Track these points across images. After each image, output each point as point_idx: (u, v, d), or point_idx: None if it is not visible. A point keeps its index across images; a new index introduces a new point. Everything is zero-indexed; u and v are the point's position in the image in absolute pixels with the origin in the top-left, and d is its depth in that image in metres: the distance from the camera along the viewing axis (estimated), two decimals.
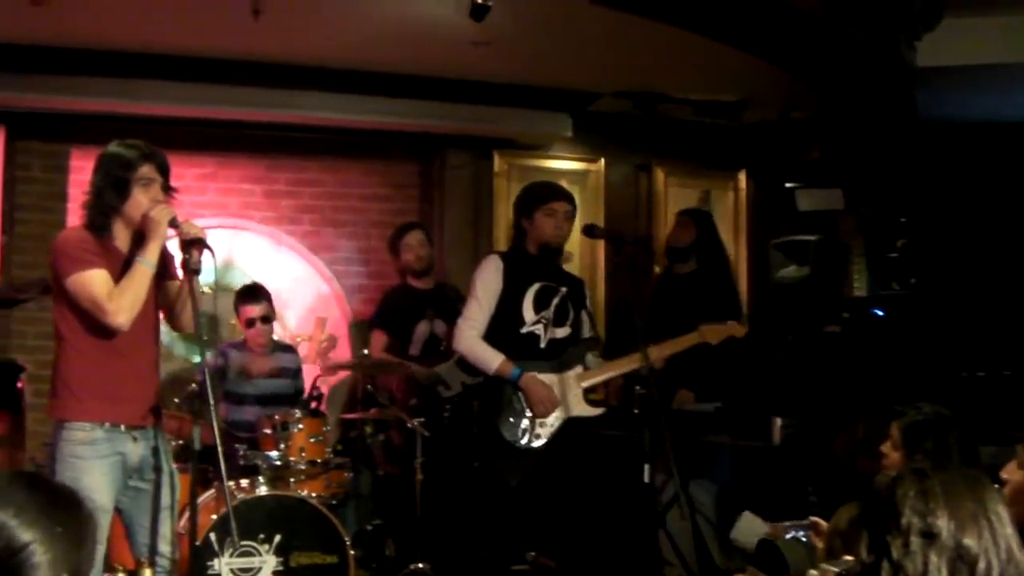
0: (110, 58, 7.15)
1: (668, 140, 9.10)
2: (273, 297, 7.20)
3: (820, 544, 4.00)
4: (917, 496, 2.36)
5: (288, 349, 7.37)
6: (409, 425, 6.34)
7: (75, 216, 5.24)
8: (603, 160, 8.98)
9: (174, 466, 4.80)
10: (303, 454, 6.12)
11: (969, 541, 2.31)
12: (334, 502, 6.24)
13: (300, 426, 6.16)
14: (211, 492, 5.83)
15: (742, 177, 9.37)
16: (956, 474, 2.44)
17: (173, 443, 6.08)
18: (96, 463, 4.46)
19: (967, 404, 4.33)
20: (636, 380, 5.81)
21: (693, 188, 9.22)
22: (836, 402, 6.85)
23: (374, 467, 6.81)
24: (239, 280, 7.69)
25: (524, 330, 5.99)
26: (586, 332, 6.22)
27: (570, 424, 5.94)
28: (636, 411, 5.73)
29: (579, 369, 6.03)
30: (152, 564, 4.58)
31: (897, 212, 8.98)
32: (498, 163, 8.66)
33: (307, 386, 7.11)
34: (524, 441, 5.85)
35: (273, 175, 8.40)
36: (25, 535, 1.91)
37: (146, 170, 4.56)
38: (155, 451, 4.68)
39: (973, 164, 8.94)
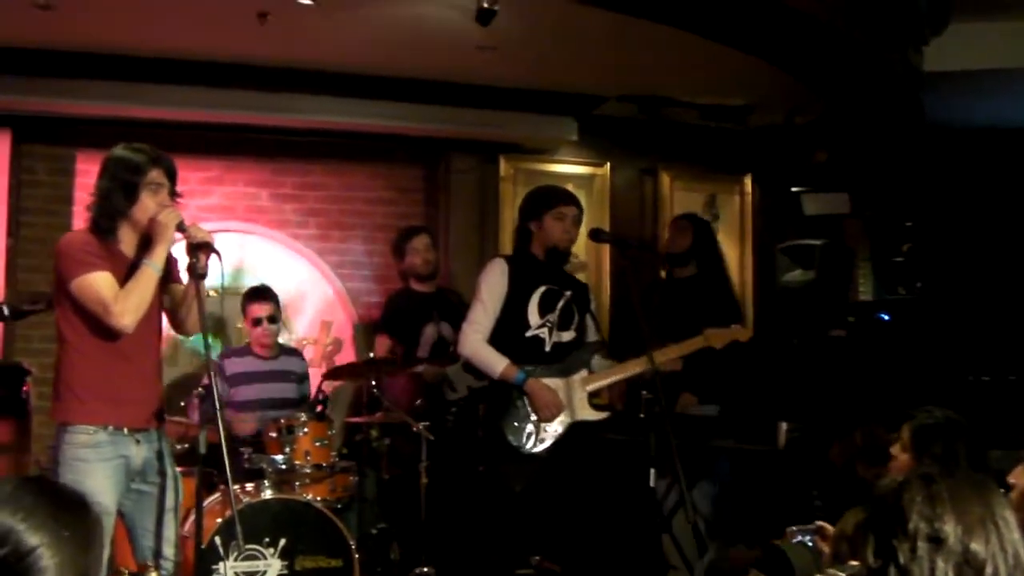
0: (116, 62, 7.16)
1: (674, 144, 9.09)
2: (279, 300, 7.21)
3: (826, 549, 3.99)
4: (924, 501, 2.36)
5: (294, 353, 7.37)
6: (414, 429, 6.34)
7: (80, 220, 5.23)
8: (609, 164, 8.98)
9: (177, 469, 4.81)
10: (308, 458, 6.12)
11: (976, 546, 2.30)
12: (339, 506, 6.23)
13: (305, 430, 6.16)
14: (216, 496, 5.83)
15: (748, 181, 9.36)
16: (963, 479, 2.43)
17: (178, 447, 6.10)
18: (99, 466, 4.47)
19: (973, 408, 4.32)
20: (641, 384, 5.82)
21: (699, 192, 9.22)
22: (841, 406, 6.84)
23: (379, 471, 6.80)
24: (245, 283, 7.70)
25: (529, 333, 5.99)
26: (591, 336, 6.23)
27: (575, 428, 5.93)
28: (641, 415, 5.73)
29: (584, 373, 6.03)
30: (156, 567, 4.59)
31: (903, 216, 8.98)
32: (504, 167, 8.65)
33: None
34: (529, 445, 5.85)
35: (279, 179, 8.40)
36: (32, 539, 1.90)
37: (155, 175, 4.57)
38: (159, 454, 4.68)
39: (979, 168, 8.94)
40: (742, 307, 8.27)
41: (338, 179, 8.55)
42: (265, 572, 5.67)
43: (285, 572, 5.70)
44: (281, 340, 7.37)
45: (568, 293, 6.11)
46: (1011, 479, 3.62)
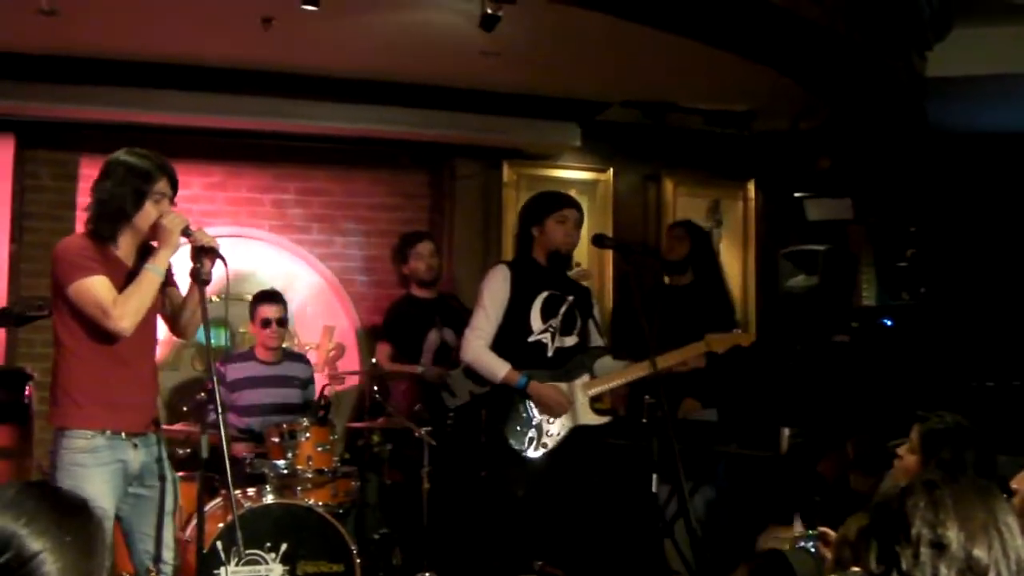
0: (119, 67, 7.16)
1: (677, 150, 9.09)
2: (287, 305, 7.22)
3: (829, 554, 3.99)
4: (927, 507, 2.36)
5: (299, 358, 7.37)
6: (416, 434, 6.34)
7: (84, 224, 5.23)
8: (612, 170, 8.97)
9: (178, 474, 4.81)
10: (310, 463, 6.11)
11: (979, 552, 2.30)
12: (341, 511, 6.23)
13: (307, 435, 6.15)
14: (218, 500, 5.83)
15: (751, 187, 9.35)
16: (967, 485, 2.43)
17: (180, 451, 6.10)
18: (97, 471, 4.46)
19: (976, 414, 4.31)
20: (644, 389, 5.82)
21: (702, 198, 9.22)
22: (845, 412, 6.84)
23: (381, 476, 6.80)
24: (247, 289, 7.70)
25: (531, 339, 5.99)
26: (593, 341, 6.23)
27: (577, 433, 5.93)
28: (644, 420, 5.73)
29: (586, 378, 6.03)
30: (157, 572, 4.59)
31: (906, 222, 8.98)
32: (507, 173, 8.65)
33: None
34: (531, 450, 5.85)
35: (282, 184, 8.40)
36: (35, 544, 1.90)
37: (162, 185, 4.59)
38: (157, 458, 4.69)
39: (983, 174, 8.94)
40: (741, 314, 8.28)
41: (341, 185, 8.56)
42: None
43: None
44: (284, 345, 7.36)
45: (570, 298, 6.12)
46: (1014, 484, 3.62)
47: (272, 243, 8.27)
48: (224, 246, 4.71)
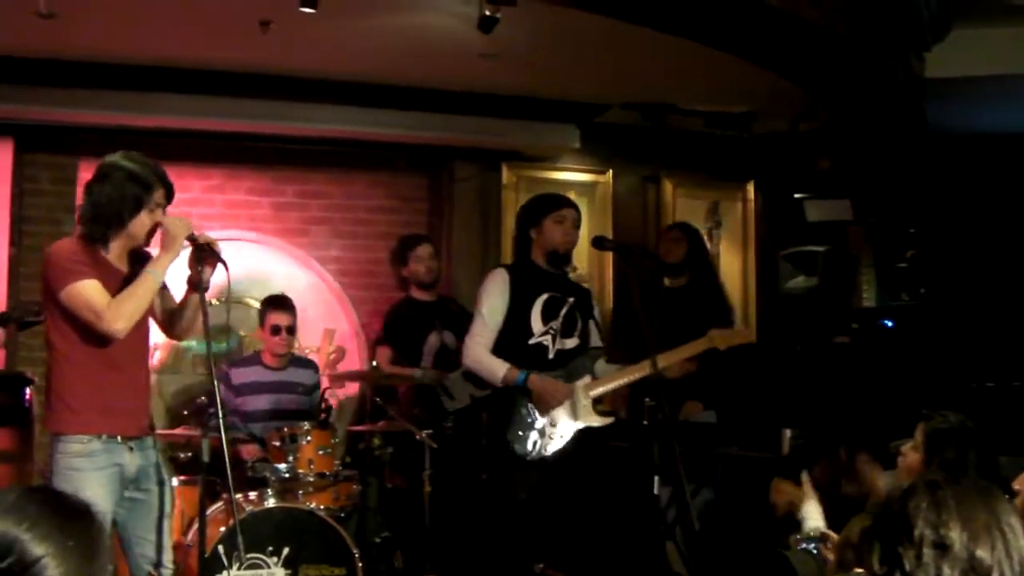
0: (118, 71, 7.17)
1: (676, 151, 9.09)
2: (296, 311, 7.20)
3: (831, 556, 3.99)
4: (929, 507, 2.35)
5: (306, 364, 7.33)
6: (418, 437, 6.33)
7: None
8: (611, 172, 8.98)
9: (171, 478, 4.81)
10: (312, 466, 6.11)
11: (982, 553, 2.30)
12: (342, 514, 6.23)
13: (309, 438, 6.14)
14: (219, 504, 5.82)
15: (751, 188, 9.35)
16: (969, 485, 2.43)
17: (181, 455, 6.10)
18: (94, 475, 4.45)
19: (977, 414, 4.31)
20: (645, 392, 5.81)
21: (702, 199, 9.21)
22: (845, 413, 6.83)
23: (382, 479, 6.80)
24: (247, 291, 7.70)
25: (532, 341, 5.98)
26: (594, 342, 6.22)
27: (579, 435, 5.93)
28: (645, 422, 5.72)
29: (587, 379, 6.02)
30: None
31: (906, 222, 8.97)
32: (506, 175, 8.65)
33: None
34: (534, 453, 5.84)
35: (280, 187, 8.40)
36: (37, 549, 1.89)
37: (159, 195, 4.58)
38: (154, 463, 4.69)
39: (982, 174, 8.94)
40: (741, 315, 8.28)
41: (340, 187, 8.56)
42: None
43: None
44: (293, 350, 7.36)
45: (571, 300, 6.11)
46: (1016, 485, 3.62)
47: (271, 246, 8.27)
48: (223, 249, 4.72)
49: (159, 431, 5.89)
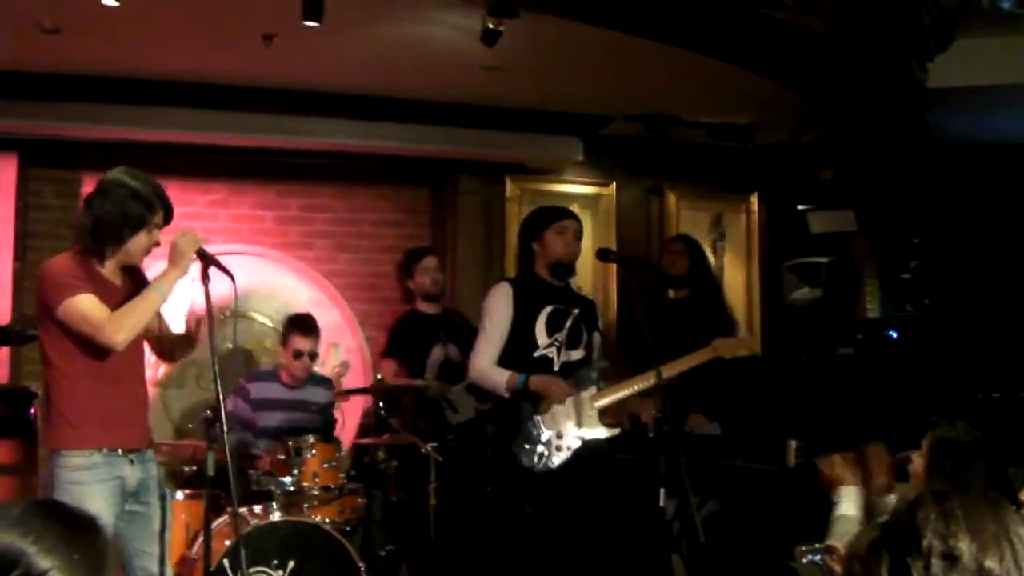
0: (122, 85, 7.19)
1: (680, 163, 9.10)
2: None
3: (838, 568, 3.98)
4: (938, 518, 2.34)
5: (323, 383, 7.18)
6: (423, 450, 6.32)
7: None
8: (614, 184, 8.98)
9: (174, 491, 4.81)
10: (317, 480, 6.09)
11: (991, 563, 2.29)
12: (347, 528, 6.22)
13: (314, 452, 6.12)
14: (224, 518, 5.81)
15: (754, 200, 9.36)
16: (977, 496, 2.42)
17: (186, 468, 6.09)
18: (96, 487, 4.44)
19: (983, 425, 4.30)
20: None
21: (705, 211, 9.19)
22: (850, 424, 6.82)
23: (387, 492, 6.78)
24: (252, 306, 7.71)
25: (537, 353, 5.98)
26: (599, 353, 6.23)
27: (585, 447, 5.91)
28: (650, 435, 5.72)
29: (593, 390, 6.01)
30: None
31: (910, 233, 8.96)
32: (510, 188, 8.66)
33: None
34: (540, 466, 5.83)
35: (284, 201, 8.41)
36: (44, 562, 1.88)
37: (158, 218, 4.57)
38: (155, 475, 4.69)
39: (985, 184, 8.93)
40: (745, 326, 8.26)
41: (344, 201, 8.57)
42: None
43: None
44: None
45: (576, 311, 6.11)
46: (1023, 496, 3.61)
47: (275, 260, 8.26)
48: (228, 263, 4.72)
49: (164, 443, 5.89)
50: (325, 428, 6.90)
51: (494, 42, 5.98)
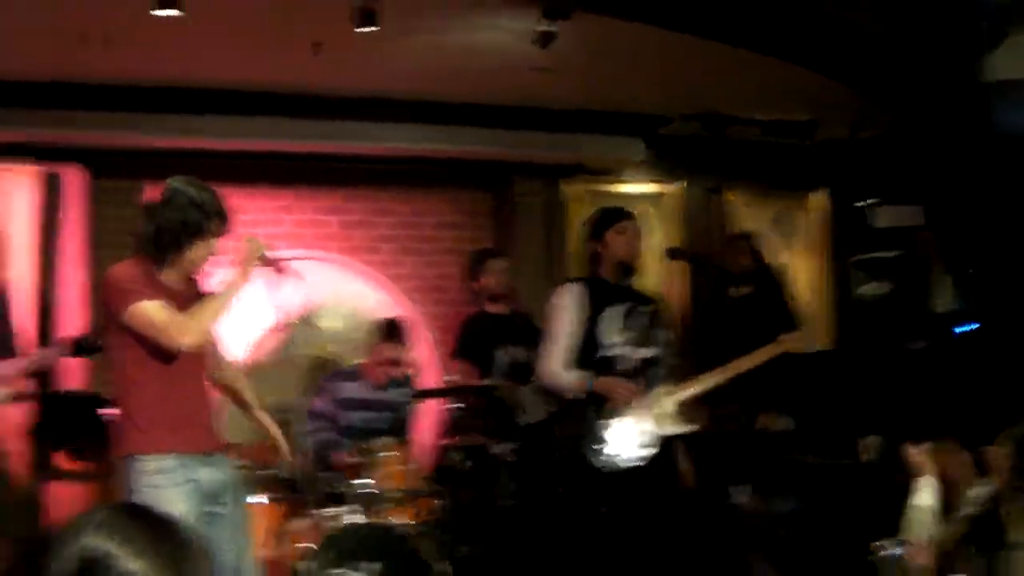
0: (185, 95, 7.30)
1: (740, 161, 9.07)
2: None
3: (919, 561, 3.97)
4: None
5: (405, 383, 7.19)
6: (494, 452, 6.34)
7: None
8: (677, 183, 8.97)
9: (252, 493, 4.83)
10: (394, 482, 6.12)
11: None
12: (424, 529, 6.23)
13: (391, 453, 6.16)
14: (303, 520, 5.84)
15: (817, 196, 9.32)
16: None
17: (262, 472, 6.13)
18: (174, 491, 4.43)
19: None
20: (720, 400, 5.80)
21: (766, 209, 9.18)
22: (925, 419, 6.78)
23: (462, 493, 6.79)
24: (322, 312, 7.78)
25: (609, 353, 5.97)
26: (670, 350, 6.22)
27: (657, 446, 5.90)
28: (724, 432, 5.72)
29: (664, 388, 6.00)
30: None
31: (976, 227, 8.87)
32: (570, 189, 8.67)
33: None
34: (611, 466, 5.82)
35: (348, 206, 8.47)
36: (132, 565, 1.84)
37: (216, 226, 4.58)
38: (230, 477, 4.70)
39: None
40: (814, 323, 8.23)
41: (407, 205, 8.62)
42: None
43: None
44: None
45: (647, 309, 6.11)
46: None
47: (341, 264, 8.32)
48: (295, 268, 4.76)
49: (243, 446, 5.92)
50: (402, 429, 6.92)
51: (548, 44, 6.00)
